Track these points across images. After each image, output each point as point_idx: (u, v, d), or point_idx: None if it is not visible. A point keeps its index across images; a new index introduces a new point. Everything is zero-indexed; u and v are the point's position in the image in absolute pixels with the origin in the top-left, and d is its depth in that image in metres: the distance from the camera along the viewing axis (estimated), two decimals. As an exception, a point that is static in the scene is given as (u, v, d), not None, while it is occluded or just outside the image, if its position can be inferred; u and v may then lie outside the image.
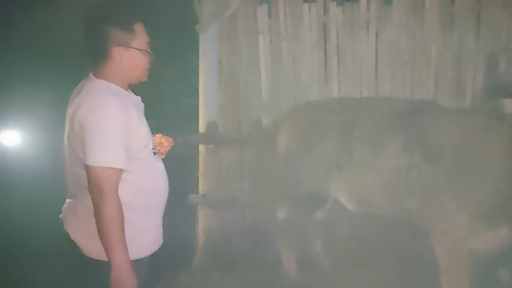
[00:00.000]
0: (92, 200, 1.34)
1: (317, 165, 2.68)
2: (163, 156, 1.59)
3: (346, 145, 2.53)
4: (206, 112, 3.57)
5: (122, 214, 1.34)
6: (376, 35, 3.44)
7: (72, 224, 1.47)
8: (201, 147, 3.60)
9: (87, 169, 1.33)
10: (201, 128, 3.57)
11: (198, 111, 3.59)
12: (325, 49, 3.51)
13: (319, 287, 2.92)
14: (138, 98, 1.54)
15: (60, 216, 1.52)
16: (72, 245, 1.44)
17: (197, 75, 3.61)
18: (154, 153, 1.51)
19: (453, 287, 2.23)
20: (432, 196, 2.22)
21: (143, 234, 1.47)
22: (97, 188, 1.31)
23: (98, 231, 1.33)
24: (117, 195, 1.34)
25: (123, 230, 1.34)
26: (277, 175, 2.93)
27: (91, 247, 1.40)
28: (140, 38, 1.47)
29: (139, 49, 1.45)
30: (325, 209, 2.93)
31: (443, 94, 3.29)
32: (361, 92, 3.44)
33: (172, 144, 1.65)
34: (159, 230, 1.56)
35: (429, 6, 3.32)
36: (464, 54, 3.26)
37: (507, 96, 2.80)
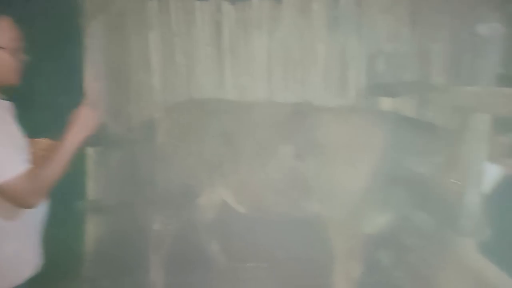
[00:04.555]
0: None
1: (196, 168, 2.59)
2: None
3: (229, 149, 2.49)
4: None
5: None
6: (268, 34, 3.49)
7: None
8: (88, 149, 3.35)
9: None
10: (88, 128, 3.30)
11: (83, 110, 3.32)
12: (219, 47, 3.48)
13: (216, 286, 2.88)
14: (6, 102, 1.37)
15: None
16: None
17: (82, 72, 3.34)
18: None
19: (347, 272, 2.37)
20: (327, 192, 2.31)
21: (18, 261, 1.35)
22: (15, 200, 1.19)
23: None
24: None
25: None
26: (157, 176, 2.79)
27: None
28: (2, 34, 1.29)
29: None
30: (214, 210, 2.91)
31: (330, 92, 3.45)
32: (255, 91, 3.47)
33: None
34: (37, 251, 1.44)
35: (316, 8, 3.45)
36: (348, 55, 3.45)
37: (384, 95, 3.03)
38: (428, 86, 2.47)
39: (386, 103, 2.96)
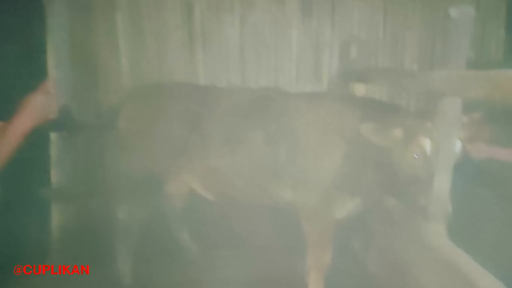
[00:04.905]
0: None
1: (161, 155, 2.50)
2: None
3: (195, 135, 2.40)
4: (57, 95, 3.16)
5: None
6: (241, 19, 3.42)
7: None
8: (53, 135, 3.20)
9: None
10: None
11: (47, 94, 3.17)
12: (190, 31, 3.38)
13: (191, 276, 2.83)
14: None
15: None
16: None
17: (45, 53, 3.18)
18: None
19: (319, 258, 2.35)
20: (298, 178, 2.27)
21: None
22: None
23: None
24: None
25: None
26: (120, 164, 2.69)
27: None
28: None
29: None
30: (182, 197, 2.85)
31: (303, 79, 3.43)
32: (227, 76, 3.41)
33: None
34: None
35: (289, -7, 3.41)
36: (321, 41, 3.42)
37: (357, 81, 3.01)
38: (401, 72, 2.46)
39: (359, 89, 2.94)
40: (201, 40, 3.39)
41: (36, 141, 3.06)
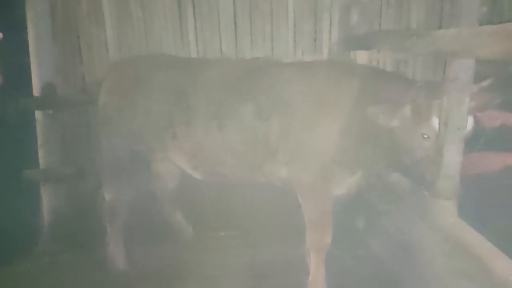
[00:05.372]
0: None
1: (144, 131, 2.34)
2: None
3: (181, 110, 2.25)
4: (40, 71, 3.00)
5: None
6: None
7: None
8: (38, 114, 3.04)
9: None
10: (36, 91, 2.99)
11: (29, 71, 2.99)
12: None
13: (186, 259, 2.71)
14: None
15: None
16: None
17: (25, 26, 2.98)
18: None
19: (318, 238, 2.20)
20: (294, 154, 2.12)
21: None
22: None
23: None
24: None
25: None
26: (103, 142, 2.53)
27: None
28: None
29: None
30: (172, 177, 2.70)
31: (301, 47, 3.21)
32: (220, 45, 3.20)
33: None
34: None
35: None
36: (320, 6, 3.17)
37: (359, 48, 2.80)
38: (406, 33, 2.23)
39: (361, 57, 2.72)
40: (191, 7, 3.15)
41: (22, 120, 2.99)
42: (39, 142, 3.06)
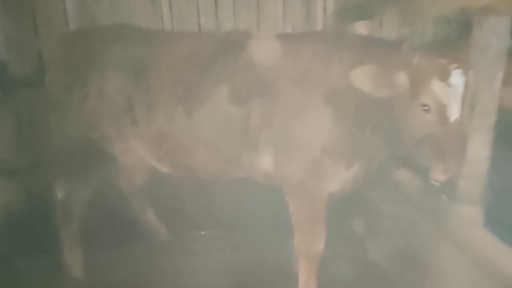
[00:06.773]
0: None
1: (97, 115, 2.02)
2: None
3: (141, 90, 1.94)
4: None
5: None
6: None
7: None
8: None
9: None
10: (-18, 70, 2.67)
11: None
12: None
13: (160, 264, 2.42)
14: None
15: None
16: None
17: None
18: None
19: (309, 244, 1.94)
20: (278, 144, 1.83)
21: None
22: None
23: None
24: None
25: None
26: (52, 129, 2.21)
27: None
28: None
29: None
30: (140, 171, 2.37)
31: (291, 19, 2.86)
32: (198, 18, 2.86)
33: None
34: None
35: None
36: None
37: (359, 18, 2.42)
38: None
39: (360, 28, 2.35)
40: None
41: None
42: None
